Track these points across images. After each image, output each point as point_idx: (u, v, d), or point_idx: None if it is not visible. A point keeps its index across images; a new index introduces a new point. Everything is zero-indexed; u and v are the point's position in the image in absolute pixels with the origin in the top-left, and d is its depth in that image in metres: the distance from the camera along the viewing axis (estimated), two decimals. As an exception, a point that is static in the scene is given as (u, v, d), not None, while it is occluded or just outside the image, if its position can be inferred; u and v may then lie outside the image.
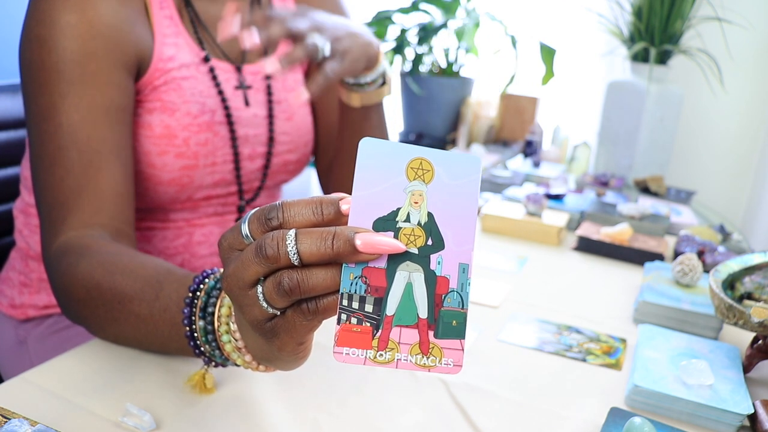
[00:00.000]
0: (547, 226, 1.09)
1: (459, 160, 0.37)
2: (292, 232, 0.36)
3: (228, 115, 0.82)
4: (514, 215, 1.12)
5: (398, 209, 0.36)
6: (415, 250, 0.36)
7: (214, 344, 0.50)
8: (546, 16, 1.99)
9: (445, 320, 0.37)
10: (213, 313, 0.50)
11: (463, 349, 0.37)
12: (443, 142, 1.91)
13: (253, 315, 0.39)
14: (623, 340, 0.76)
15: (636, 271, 1.00)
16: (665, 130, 1.53)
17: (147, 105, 0.77)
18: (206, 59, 0.80)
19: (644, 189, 1.44)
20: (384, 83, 0.84)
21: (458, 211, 0.37)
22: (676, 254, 1.02)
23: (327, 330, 0.68)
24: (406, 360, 0.37)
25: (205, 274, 0.52)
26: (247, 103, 0.85)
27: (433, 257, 0.37)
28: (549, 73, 1.78)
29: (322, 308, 0.37)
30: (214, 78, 0.81)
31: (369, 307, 0.36)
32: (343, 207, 0.36)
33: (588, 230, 1.09)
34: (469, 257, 0.37)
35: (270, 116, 0.87)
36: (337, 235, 0.35)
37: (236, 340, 0.46)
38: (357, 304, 0.36)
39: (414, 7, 1.84)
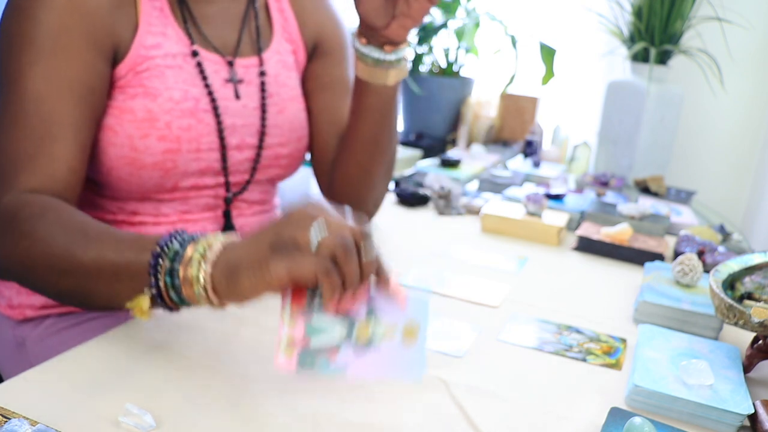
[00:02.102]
0: (547, 226, 1.10)
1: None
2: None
3: (215, 107, 0.82)
4: (514, 215, 1.12)
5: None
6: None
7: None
8: (546, 16, 1.99)
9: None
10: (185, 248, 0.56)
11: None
12: (443, 142, 1.91)
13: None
14: (623, 340, 0.76)
15: (636, 271, 1.00)
16: (665, 130, 1.53)
17: (129, 91, 0.78)
18: (194, 54, 0.81)
19: (644, 189, 1.44)
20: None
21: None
22: (676, 254, 1.02)
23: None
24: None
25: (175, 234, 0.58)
26: (237, 96, 0.86)
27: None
28: (549, 73, 1.78)
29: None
30: (202, 72, 0.82)
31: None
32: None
33: (588, 230, 1.09)
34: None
35: (262, 108, 0.88)
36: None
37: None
38: None
39: (414, 7, 1.84)
